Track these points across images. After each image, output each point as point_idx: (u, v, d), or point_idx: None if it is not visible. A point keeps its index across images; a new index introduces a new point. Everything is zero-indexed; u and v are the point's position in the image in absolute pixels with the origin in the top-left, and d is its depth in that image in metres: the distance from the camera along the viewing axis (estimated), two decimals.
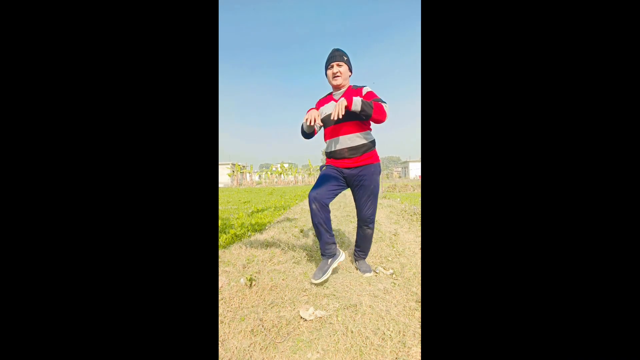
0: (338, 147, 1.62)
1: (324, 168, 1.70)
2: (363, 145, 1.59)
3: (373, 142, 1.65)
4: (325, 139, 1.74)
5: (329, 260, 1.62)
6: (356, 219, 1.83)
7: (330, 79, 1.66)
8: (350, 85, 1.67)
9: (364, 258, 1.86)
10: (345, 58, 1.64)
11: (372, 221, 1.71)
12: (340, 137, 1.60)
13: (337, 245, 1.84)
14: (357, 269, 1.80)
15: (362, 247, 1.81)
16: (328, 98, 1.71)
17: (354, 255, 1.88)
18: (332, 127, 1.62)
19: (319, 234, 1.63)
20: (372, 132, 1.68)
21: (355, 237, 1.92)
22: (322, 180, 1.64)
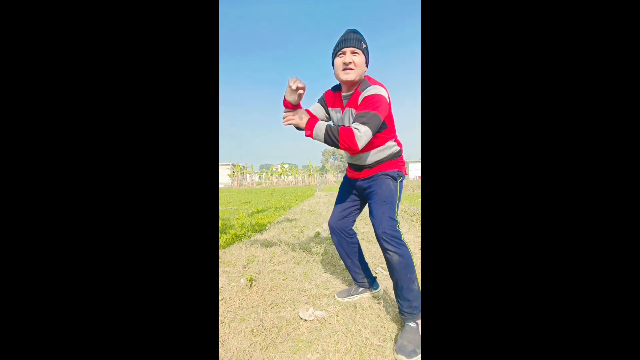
0: (350, 160, 1.29)
1: None
2: (377, 161, 1.21)
3: (392, 155, 1.22)
4: None
5: (360, 289, 1.41)
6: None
7: (339, 71, 1.08)
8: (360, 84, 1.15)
9: (410, 315, 1.07)
10: (364, 46, 1.09)
11: (394, 241, 1.05)
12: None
13: (375, 279, 1.47)
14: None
15: (396, 289, 1.10)
16: (339, 95, 1.21)
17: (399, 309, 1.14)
18: None
19: (345, 265, 1.43)
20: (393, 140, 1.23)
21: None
22: (337, 201, 1.40)
